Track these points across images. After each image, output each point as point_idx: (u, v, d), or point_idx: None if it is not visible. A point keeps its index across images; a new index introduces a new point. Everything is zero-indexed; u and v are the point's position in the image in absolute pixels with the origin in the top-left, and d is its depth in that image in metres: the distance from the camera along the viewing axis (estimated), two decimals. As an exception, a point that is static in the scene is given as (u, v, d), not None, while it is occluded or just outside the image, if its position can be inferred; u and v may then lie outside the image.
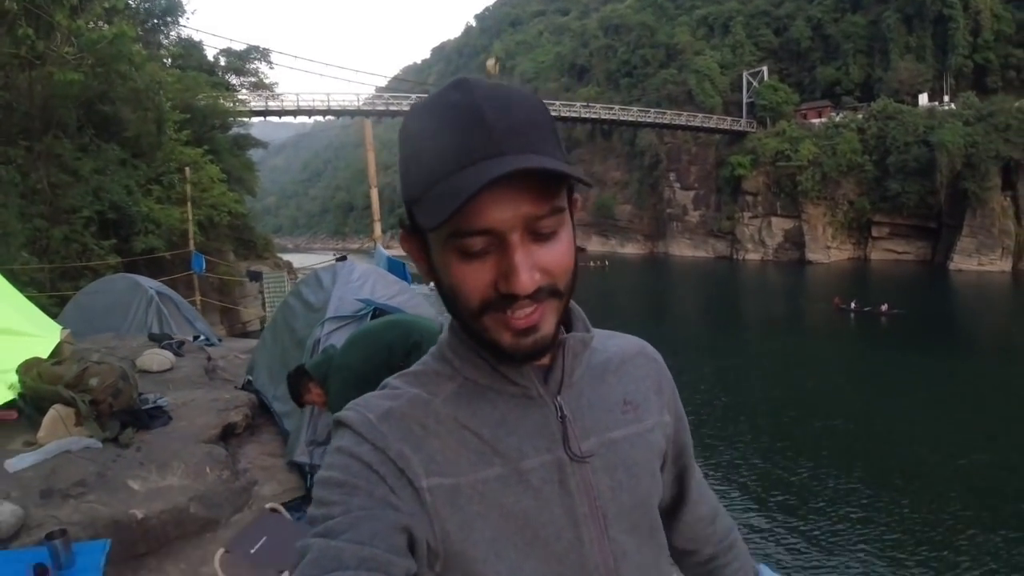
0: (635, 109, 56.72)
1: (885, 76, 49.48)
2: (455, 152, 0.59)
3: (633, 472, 0.75)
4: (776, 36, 57.42)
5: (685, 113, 54.82)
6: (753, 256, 52.90)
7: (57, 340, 4.78)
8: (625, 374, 0.80)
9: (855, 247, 49.60)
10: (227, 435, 3.98)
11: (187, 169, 14.53)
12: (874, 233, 48.24)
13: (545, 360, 0.72)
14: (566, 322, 0.75)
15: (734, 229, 54.60)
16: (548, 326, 0.65)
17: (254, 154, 36.20)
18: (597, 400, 0.75)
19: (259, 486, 3.61)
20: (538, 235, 0.63)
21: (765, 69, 54.99)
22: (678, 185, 59.23)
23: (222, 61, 34.28)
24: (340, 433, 0.67)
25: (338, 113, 56.32)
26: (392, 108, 55.83)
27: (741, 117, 55.46)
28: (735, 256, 54.16)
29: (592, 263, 50.85)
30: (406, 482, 0.64)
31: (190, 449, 3.50)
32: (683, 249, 58.78)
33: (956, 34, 45.87)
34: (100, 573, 1.97)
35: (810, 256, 48.79)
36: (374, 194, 8.49)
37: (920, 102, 46.53)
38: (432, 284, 0.70)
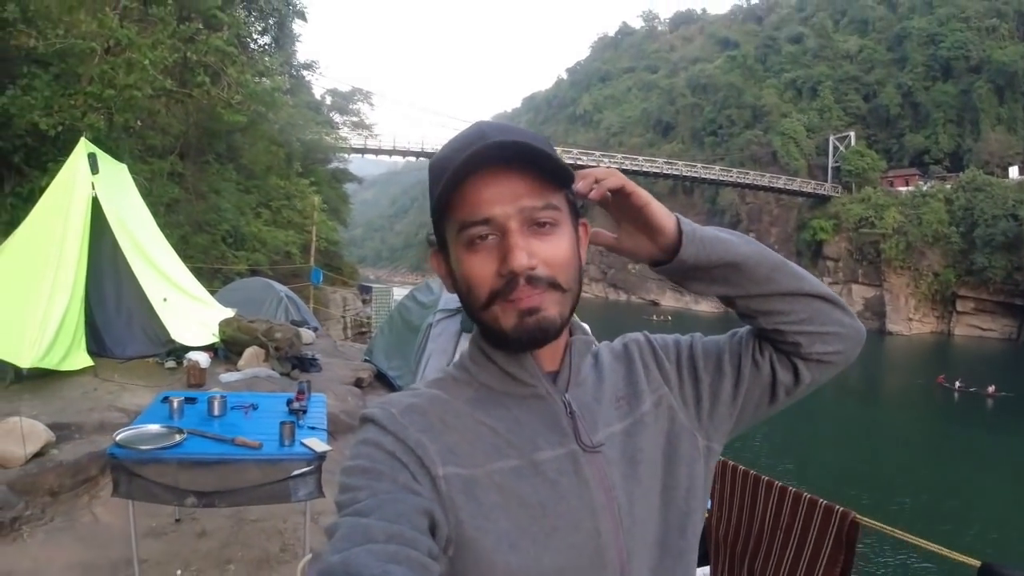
0: (717, 168, 57.11)
1: (975, 146, 48.31)
2: (456, 158, 0.66)
3: (637, 460, 0.76)
4: (865, 102, 56.94)
5: (768, 174, 54.84)
6: (832, 324, 51.81)
7: (231, 313, 6.41)
8: (613, 372, 0.82)
9: (938, 320, 47.80)
10: (357, 384, 5.42)
11: (317, 198, 16.72)
12: (959, 307, 46.52)
13: (554, 365, 0.77)
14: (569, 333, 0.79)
15: None
16: (551, 310, 0.69)
17: (348, 187, 38.83)
18: (598, 397, 0.78)
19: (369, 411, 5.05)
20: (536, 229, 0.68)
21: (852, 134, 54.56)
22: (758, 245, 59.13)
23: (328, 100, 37.33)
24: (365, 427, 0.71)
25: (429, 155, 59.03)
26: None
27: (825, 181, 54.87)
28: (813, 322, 53.22)
29: (655, 317, 50.70)
30: (424, 470, 0.67)
31: (335, 386, 4.96)
32: (762, 311, 58.17)
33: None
34: (324, 408, 3.36)
35: (891, 327, 47.27)
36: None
37: (1010, 175, 45.15)
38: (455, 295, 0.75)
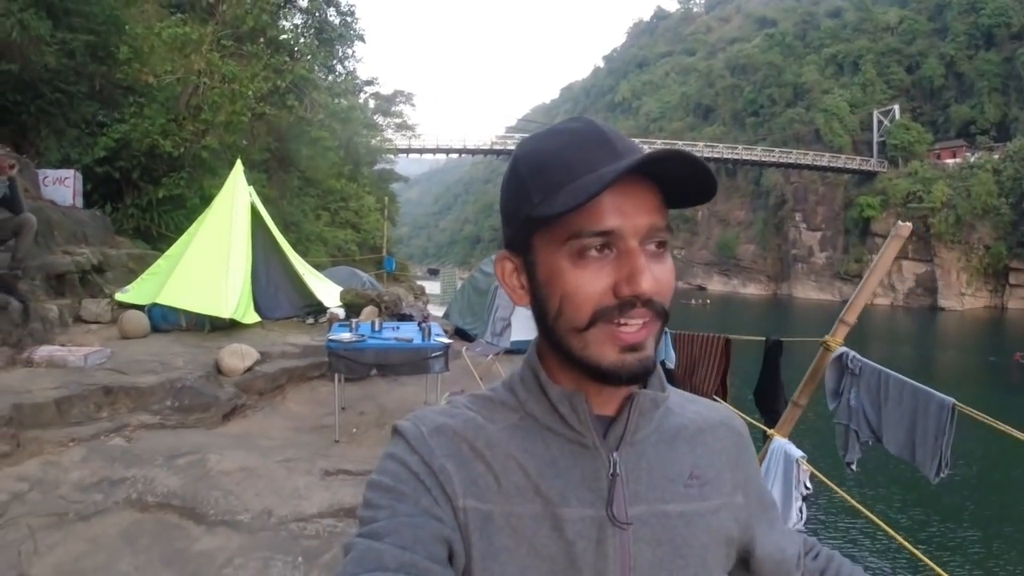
0: (759, 148, 57.23)
1: (1021, 115, 47.86)
2: (584, 161, 0.61)
3: (682, 553, 0.68)
4: (908, 74, 56.56)
5: (812, 152, 54.75)
6: (882, 301, 50.99)
7: (339, 288, 8.21)
8: (700, 444, 0.74)
9: (991, 294, 47.36)
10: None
11: (386, 198, 18.79)
12: (1011, 280, 45.97)
13: (610, 410, 0.69)
14: None
15: (862, 272, 52.41)
16: (651, 348, 0.63)
17: (394, 186, 40.37)
18: (659, 466, 0.70)
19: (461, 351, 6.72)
20: (651, 250, 0.63)
21: (896, 108, 54.22)
22: (804, 226, 58.42)
23: (371, 103, 38.94)
24: (395, 441, 0.68)
25: (472, 152, 60.80)
26: (522, 147, 60.08)
27: (871, 157, 54.64)
28: (863, 300, 52.80)
29: (694, 301, 50.55)
30: (446, 497, 0.64)
31: (430, 335, 6.71)
32: (807, 291, 57.57)
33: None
34: (439, 327, 5.09)
35: (943, 303, 47.09)
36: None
37: (1061, 142, 44.46)
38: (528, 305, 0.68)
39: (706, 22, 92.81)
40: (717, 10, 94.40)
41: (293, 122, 12.97)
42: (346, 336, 4.23)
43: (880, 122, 54.82)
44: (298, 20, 14.39)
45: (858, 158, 54.85)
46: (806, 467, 2.48)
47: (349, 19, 15.12)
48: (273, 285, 6.98)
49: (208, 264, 6.12)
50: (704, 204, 0.66)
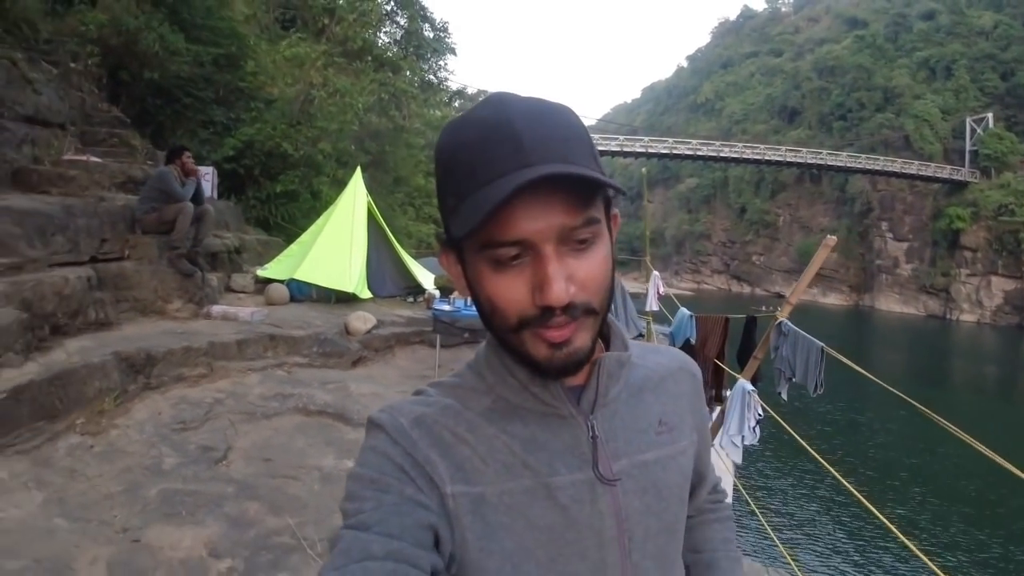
0: (845, 154, 55.74)
1: (1122, 127, 44.89)
2: (486, 165, 0.60)
3: (663, 495, 0.74)
4: (1003, 81, 53.98)
5: (900, 160, 53.14)
6: (968, 317, 49.16)
7: (433, 275, 9.78)
8: (664, 392, 0.80)
9: (1086, 315, 44.92)
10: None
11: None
12: (1108, 301, 43.48)
13: (579, 379, 0.72)
14: (604, 338, 0.76)
15: (949, 286, 50.94)
16: (582, 341, 0.65)
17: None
18: (632, 420, 0.75)
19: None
20: (573, 247, 0.62)
21: (990, 116, 51.96)
22: (890, 235, 56.57)
23: (456, 103, 40.89)
24: (374, 433, 0.69)
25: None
26: (601, 148, 60.29)
27: (962, 166, 52.49)
28: (948, 316, 50.42)
29: (764, 308, 49.02)
30: (433, 486, 0.66)
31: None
32: (890, 304, 55.82)
33: None
34: None
35: (1033, 321, 45.07)
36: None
37: None
38: (470, 299, 0.70)
39: (794, 22, 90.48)
40: (806, 10, 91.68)
41: (392, 129, 14.71)
42: (446, 308, 5.72)
43: (973, 130, 52.56)
44: (397, 34, 16.15)
45: (948, 167, 52.59)
46: (757, 399, 3.74)
47: (442, 34, 16.75)
48: (382, 268, 8.68)
49: (335, 249, 7.79)
50: (623, 199, 0.64)
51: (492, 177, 0.59)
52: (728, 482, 4.33)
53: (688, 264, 76.02)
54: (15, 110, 6.48)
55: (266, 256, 9.05)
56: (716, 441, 3.76)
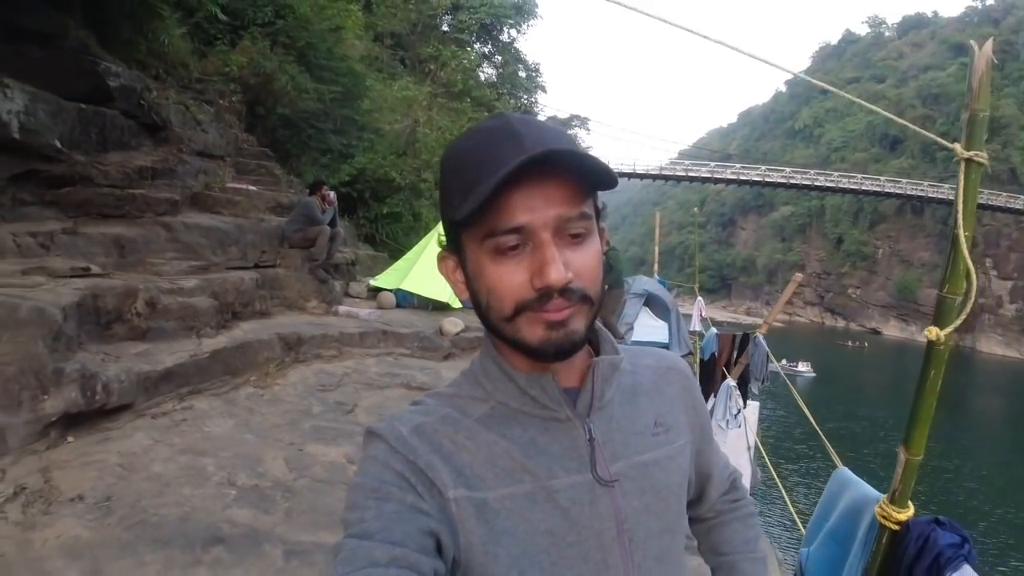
0: (947, 186, 53.51)
1: None
2: (491, 160, 0.63)
3: (662, 495, 0.76)
4: (1125, 114, 50.34)
5: (1005, 194, 50.57)
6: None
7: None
8: (657, 394, 0.82)
9: None
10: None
11: None
12: None
13: (574, 382, 0.75)
14: (594, 345, 0.79)
15: None
16: (578, 324, 0.67)
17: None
18: (628, 422, 0.77)
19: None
20: (568, 240, 0.66)
21: (1110, 149, 48.64)
22: (994, 273, 53.97)
23: (549, 128, 42.62)
24: (373, 444, 0.70)
25: (641, 176, 62.19)
26: (691, 174, 59.95)
27: (1077, 201, 49.50)
28: (1053, 362, 47.12)
29: (850, 342, 48.04)
30: (436, 492, 0.67)
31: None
32: (992, 346, 53.10)
33: None
34: None
35: None
36: (655, 250, 14.17)
37: None
38: (468, 299, 0.74)
39: (898, 47, 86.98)
40: (910, 35, 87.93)
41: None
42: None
43: (1089, 163, 49.36)
44: (493, 76, 17.91)
45: (1060, 203, 49.73)
46: (737, 394, 4.95)
47: (534, 74, 18.35)
48: (470, 282, 10.12)
49: (434, 266, 9.28)
50: (611, 190, 0.70)
51: (497, 167, 0.62)
52: (744, 464, 5.39)
53: (780, 294, 73.85)
54: (190, 146, 8.29)
55: (375, 268, 10.74)
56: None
